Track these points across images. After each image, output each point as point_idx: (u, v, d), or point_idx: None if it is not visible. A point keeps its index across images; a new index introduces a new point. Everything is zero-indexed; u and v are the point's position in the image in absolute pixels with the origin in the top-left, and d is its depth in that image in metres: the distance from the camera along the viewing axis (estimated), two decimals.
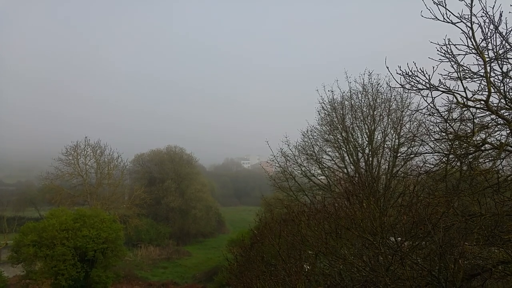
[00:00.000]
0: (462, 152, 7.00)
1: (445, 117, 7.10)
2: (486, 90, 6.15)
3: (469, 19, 6.10)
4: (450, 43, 6.31)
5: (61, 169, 35.08)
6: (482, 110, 6.47)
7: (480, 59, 6.19)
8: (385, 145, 16.28)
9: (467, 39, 6.21)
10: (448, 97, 6.80)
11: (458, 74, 6.41)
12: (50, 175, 34.95)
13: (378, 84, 17.15)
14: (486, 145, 6.60)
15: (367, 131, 16.96)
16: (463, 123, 7.17)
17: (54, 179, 35.10)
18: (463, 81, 6.36)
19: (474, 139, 6.71)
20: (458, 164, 7.25)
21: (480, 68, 6.31)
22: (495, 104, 6.28)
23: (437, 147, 8.05)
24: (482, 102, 6.26)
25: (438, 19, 6.29)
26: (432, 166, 7.69)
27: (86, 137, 36.62)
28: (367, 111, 17.12)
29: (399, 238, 5.78)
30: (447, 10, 6.18)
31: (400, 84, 7.01)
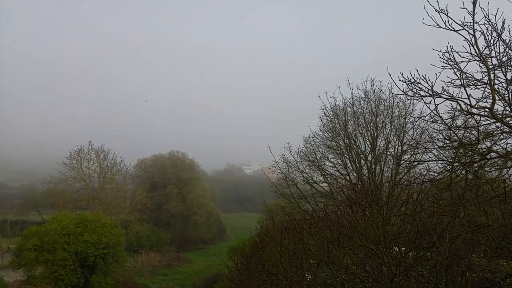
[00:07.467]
0: (467, 160, 6.89)
1: (449, 125, 7.02)
2: (491, 97, 6.08)
3: (472, 26, 6.07)
4: (452, 50, 6.28)
5: (64, 173, 35.21)
6: (486, 118, 6.39)
7: (484, 66, 6.13)
8: (388, 152, 16.14)
9: (469, 46, 6.17)
10: (451, 104, 6.75)
11: (462, 81, 6.35)
12: (54, 179, 35.04)
13: (380, 91, 17.12)
14: (492, 154, 6.50)
15: (369, 138, 16.86)
16: (468, 130, 7.09)
17: (57, 183, 35.18)
18: (466, 88, 6.30)
19: (479, 147, 6.61)
20: (463, 172, 7.13)
21: (484, 75, 6.25)
22: (500, 112, 6.20)
23: (441, 154, 7.96)
24: (487, 110, 6.18)
25: (440, 27, 6.27)
26: (436, 174, 7.57)
27: (90, 141, 36.87)
28: (370, 117, 17.04)
29: (403, 248, 5.64)
30: (449, 18, 6.16)
31: (403, 91, 6.98)
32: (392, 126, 16.44)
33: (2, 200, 49.13)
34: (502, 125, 6.27)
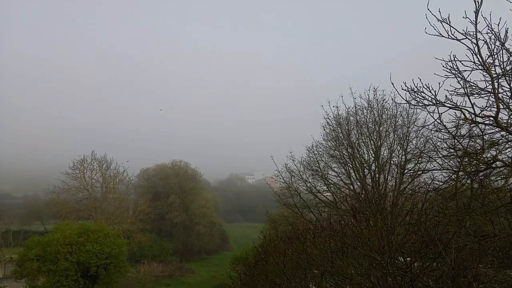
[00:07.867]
0: (472, 169, 6.82)
1: (453, 133, 6.98)
2: (495, 106, 6.06)
3: (474, 35, 6.10)
4: (455, 59, 6.31)
5: (67, 183, 35.29)
6: (491, 127, 6.34)
7: (487, 75, 6.14)
8: (392, 162, 16.04)
9: (473, 55, 6.19)
10: (455, 113, 6.72)
11: (465, 90, 6.35)
12: (57, 189, 35.15)
13: (383, 100, 17.14)
14: (497, 163, 6.43)
15: (373, 147, 16.79)
16: (472, 139, 7.04)
17: (60, 192, 35.24)
18: (470, 97, 6.29)
19: (484, 156, 6.55)
20: (469, 181, 7.05)
21: (488, 84, 6.24)
22: (505, 121, 6.16)
23: (446, 163, 7.88)
24: (491, 119, 6.14)
25: (443, 36, 6.32)
26: (441, 183, 7.49)
27: (93, 151, 37.11)
28: (373, 126, 17.02)
29: (408, 258, 5.54)
30: (451, 27, 6.21)
31: (406, 100, 6.98)
32: (395, 135, 16.39)
33: (6, 210, 49.24)
34: (507, 134, 6.22)
